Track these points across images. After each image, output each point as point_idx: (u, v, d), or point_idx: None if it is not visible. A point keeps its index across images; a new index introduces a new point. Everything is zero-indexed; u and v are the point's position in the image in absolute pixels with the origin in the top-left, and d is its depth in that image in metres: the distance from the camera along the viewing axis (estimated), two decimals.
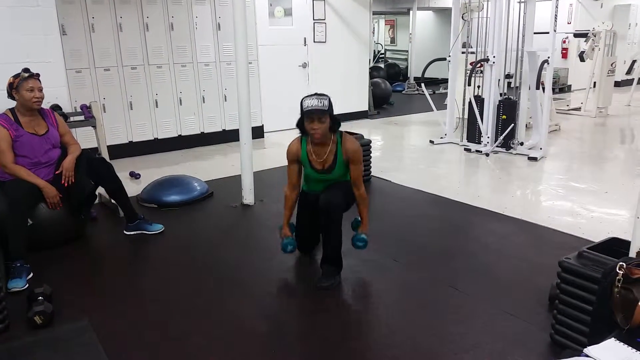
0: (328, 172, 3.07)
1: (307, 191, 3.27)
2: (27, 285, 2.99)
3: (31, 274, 3.12)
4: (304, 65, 7.74)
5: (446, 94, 7.34)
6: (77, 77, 5.65)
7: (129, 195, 3.83)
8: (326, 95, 2.93)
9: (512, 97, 6.23)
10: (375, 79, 10.02)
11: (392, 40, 16.34)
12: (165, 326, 2.64)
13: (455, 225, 4.06)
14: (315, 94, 2.93)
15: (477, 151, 6.27)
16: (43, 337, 2.52)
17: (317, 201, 3.07)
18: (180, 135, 6.57)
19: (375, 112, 9.16)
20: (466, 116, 6.60)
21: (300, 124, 3.01)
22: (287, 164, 3.15)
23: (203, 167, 5.70)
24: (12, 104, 3.37)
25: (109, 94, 5.95)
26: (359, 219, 3.25)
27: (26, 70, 3.31)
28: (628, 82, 10.65)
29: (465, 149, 6.42)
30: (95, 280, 3.19)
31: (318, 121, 2.88)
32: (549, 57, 5.71)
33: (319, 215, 3.04)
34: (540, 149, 5.97)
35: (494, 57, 6.06)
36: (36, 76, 3.33)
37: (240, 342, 2.50)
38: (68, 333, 2.56)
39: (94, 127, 4.14)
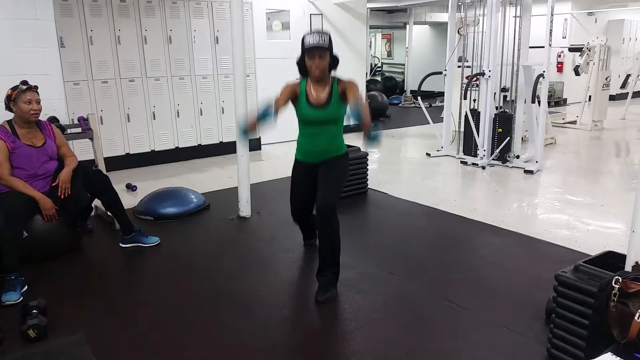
0: (324, 106, 3.01)
1: (300, 159, 3.23)
2: (22, 298, 2.97)
3: (26, 287, 3.09)
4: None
5: (442, 107, 7.37)
6: (75, 89, 5.66)
7: (125, 208, 3.82)
8: (327, 33, 2.95)
9: (508, 110, 6.27)
10: (372, 92, 10.08)
11: (389, 54, 16.47)
12: (160, 339, 2.62)
13: (452, 238, 4.06)
14: (316, 31, 2.94)
15: (474, 164, 6.29)
16: (37, 351, 2.50)
17: (309, 171, 3.12)
18: (177, 147, 6.57)
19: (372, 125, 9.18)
20: (462, 129, 6.63)
21: (300, 62, 3.02)
22: (278, 95, 3.03)
23: (200, 179, 5.70)
24: (10, 115, 3.38)
25: (107, 106, 5.96)
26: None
27: (24, 82, 3.32)
28: (623, 96, 10.74)
29: (461, 162, 6.44)
30: (90, 293, 3.16)
31: (319, 57, 2.90)
32: (544, 71, 5.76)
33: (313, 191, 3.04)
34: (536, 162, 5.99)
35: (489, 71, 6.11)
36: (34, 88, 3.34)
37: (236, 356, 2.48)
38: (62, 347, 2.54)
39: (91, 139, 4.14)
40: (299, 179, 3.29)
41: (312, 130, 3.11)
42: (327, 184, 3.05)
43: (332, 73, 3.07)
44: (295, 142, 3.22)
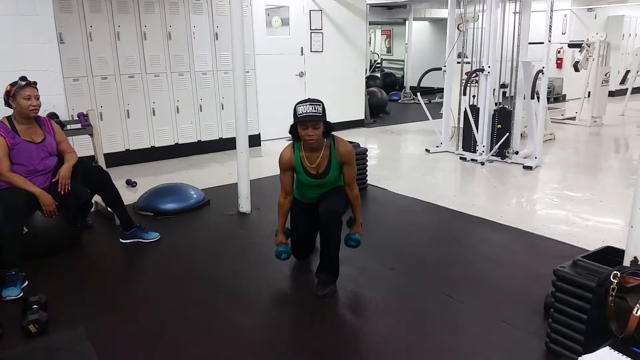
0: (322, 176, 3.05)
1: (300, 199, 3.26)
2: (22, 293, 2.98)
3: (26, 283, 3.10)
4: (301, 75, 7.77)
5: (442, 103, 7.38)
6: (74, 85, 5.66)
7: (125, 204, 3.83)
8: (320, 101, 2.90)
9: (507, 106, 6.27)
10: (371, 88, 10.07)
11: (389, 50, 16.45)
12: (161, 335, 2.63)
13: (451, 234, 4.07)
14: (309, 100, 2.90)
15: (473, 160, 6.29)
16: (38, 346, 2.50)
17: (310, 208, 3.09)
18: (177, 143, 6.58)
19: (371, 121, 9.20)
20: (461, 125, 6.64)
21: (293, 130, 2.99)
22: (280, 174, 3.12)
23: (199, 175, 5.70)
24: (10, 112, 3.38)
25: (106, 102, 5.95)
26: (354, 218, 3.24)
27: (23, 78, 3.32)
28: (622, 92, 10.74)
29: (460, 158, 6.45)
30: (90, 289, 3.17)
31: (312, 128, 2.87)
32: (543, 67, 5.76)
33: (315, 223, 3.05)
34: (535, 158, 6.00)
35: (489, 67, 6.10)
36: (33, 84, 3.34)
37: (236, 351, 2.49)
38: (63, 342, 2.54)
39: (91, 135, 4.14)
40: (299, 217, 3.26)
41: (311, 189, 3.15)
42: (330, 197, 3.06)
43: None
44: None
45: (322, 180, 3.07)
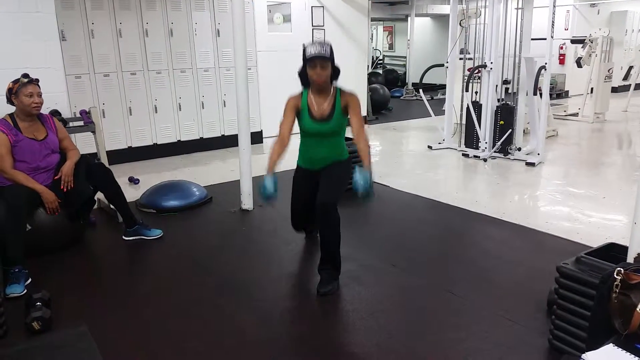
0: (326, 120, 3.04)
1: (301, 166, 3.25)
2: (25, 290, 2.99)
3: (29, 280, 3.11)
4: None
5: (444, 99, 7.36)
6: (76, 82, 5.66)
7: (128, 201, 3.83)
8: (328, 43, 2.97)
9: (509, 102, 6.25)
10: (373, 85, 10.06)
11: (391, 47, 16.40)
12: (164, 332, 2.64)
13: (454, 231, 4.07)
14: (317, 41, 2.96)
15: (475, 157, 6.28)
16: (41, 343, 2.51)
17: (311, 177, 3.13)
18: (179, 140, 6.58)
19: (373, 118, 9.19)
20: (464, 122, 6.62)
21: (302, 73, 3.04)
22: (283, 116, 3.11)
23: (202, 173, 5.70)
24: (12, 109, 3.38)
25: (109, 100, 5.96)
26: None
27: (25, 75, 3.32)
28: (625, 88, 10.70)
29: (463, 155, 6.44)
30: (93, 286, 3.18)
31: (321, 68, 2.92)
32: (546, 63, 5.73)
33: (315, 192, 3.05)
34: (538, 154, 5.99)
35: (491, 63, 6.09)
36: (35, 81, 3.34)
37: (238, 348, 2.50)
38: (66, 339, 2.55)
39: (93, 132, 4.14)
40: (300, 185, 3.30)
41: (314, 140, 3.15)
42: (328, 183, 3.06)
43: (334, 83, 3.08)
44: (297, 135, 3.21)
45: (326, 124, 3.05)
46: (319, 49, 2.90)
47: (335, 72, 3.04)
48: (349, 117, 3.08)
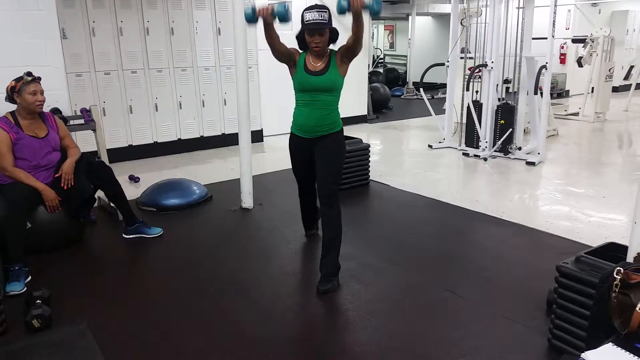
0: (321, 72, 3.01)
1: (295, 133, 3.18)
2: (26, 288, 2.99)
3: (30, 277, 3.12)
4: None
5: (445, 98, 7.35)
6: (77, 80, 5.66)
7: (128, 199, 3.84)
8: (326, 8, 2.95)
9: (510, 102, 6.25)
10: (374, 84, 10.05)
11: (391, 46, 16.39)
12: (164, 329, 2.64)
13: (454, 230, 4.07)
14: (316, 6, 2.93)
15: (476, 156, 6.28)
16: (41, 341, 2.52)
17: (307, 147, 3.10)
18: (179, 139, 6.58)
19: (374, 117, 9.18)
20: (464, 121, 6.62)
21: (299, 36, 3.04)
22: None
23: (202, 171, 5.70)
24: (12, 107, 3.38)
25: (109, 98, 5.96)
26: None
27: (29, 73, 3.32)
28: (626, 88, 10.68)
29: (463, 154, 6.44)
30: (94, 284, 3.18)
31: (319, 34, 2.92)
32: (547, 63, 5.73)
33: (312, 159, 3.08)
34: (538, 153, 5.98)
35: (492, 62, 6.08)
36: (38, 79, 3.34)
37: (238, 346, 2.50)
38: (66, 336, 2.56)
39: (94, 130, 4.14)
40: (297, 158, 3.28)
41: (308, 98, 3.05)
42: (325, 170, 3.05)
43: (331, 46, 3.08)
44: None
45: (320, 77, 2.99)
46: (317, 15, 2.88)
47: (334, 35, 3.02)
48: (345, 60, 3.01)
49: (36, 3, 3.95)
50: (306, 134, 3.11)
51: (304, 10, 2.92)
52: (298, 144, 3.20)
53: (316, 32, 2.91)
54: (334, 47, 3.09)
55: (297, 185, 3.48)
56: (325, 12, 2.91)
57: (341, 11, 2.73)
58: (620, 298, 1.76)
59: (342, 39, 3.05)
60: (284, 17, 2.85)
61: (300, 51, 3.12)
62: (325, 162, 3.07)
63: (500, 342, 2.49)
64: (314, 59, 3.04)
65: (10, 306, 2.71)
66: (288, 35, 3.26)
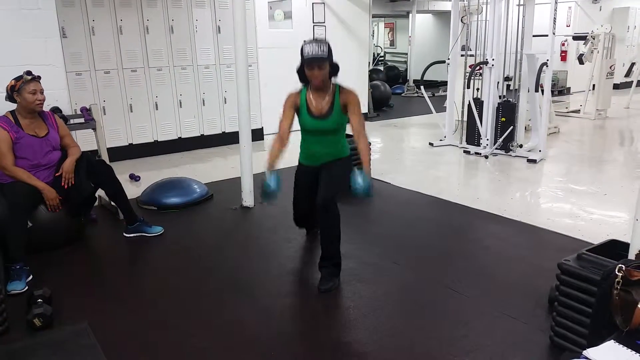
0: (325, 117, 3.04)
1: (303, 162, 3.26)
2: (27, 287, 2.99)
3: (31, 277, 3.12)
4: None
5: (445, 96, 7.34)
6: (77, 79, 5.66)
7: (128, 198, 3.83)
8: (326, 41, 2.95)
9: (511, 99, 6.24)
10: (374, 82, 10.04)
11: (392, 43, 16.37)
12: (165, 328, 2.64)
13: (455, 228, 4.07)
14: (315, 40, 2.93)
15: (477, 153, 6.27)
16: (42, 340, 2.52)
17: (312, 172, 3.13)
18: (180, 137, 6.57)
19: (374, 115, 9.18)
20: (465, 118, 6.61)
21: (300, 71, 3.03)
22: (282, 114, 3.12)
23: (203, 170, 5.70)
24: (12, 106, 3.38)
25: (109, 97, 5.95)
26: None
27: (29, 72, 3.32)
28: (627, 85, 10.67)
29: (464, 152, 6.43)
30: (95, 283, 3.19)
31: (318, 68, 2.91)
32: (548, 60, 5.72)
33: (316, 187, 3.07)
34: (540, 151, 5.97)
35: (493, 59, 6.07)
36: (38, 78, 3.33)
37: (239, 344, 2.50)
38: (68, 335, 2.56)
39: (94, 129, 4.14)
40: (301, 181, 3.30)
41: (313, 137, 3.15)
42: (328, 180, 3.06)
43: (333, 80, 3.07)
44: (297, 132, 3.21)
45: (325, 121, 3.04)
46: (316, 49, 2.88)
47: (334, 69, 3.02)
48: (348, 115, 3.07)
49: (36, 2, 3.94)
50: (313, 162, 3.18)
51: (304, 43, 2.92)
52: (304, 170, 3.26)
53: (315, 65, 2.90)
54: (335, 79, 3.09)
55: (294, 217, 3.53)
56: (325, 45, 2.91)
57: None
58: (622, 295, 1.75)
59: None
60: (270, 192, 2.93)
61: (300, 87, 3.11)
62: (329, 173, 3.09)
63: (501, 340, 2.49)
64: (316, 94, 3.05)
65: (11, 305, 2.71)
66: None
